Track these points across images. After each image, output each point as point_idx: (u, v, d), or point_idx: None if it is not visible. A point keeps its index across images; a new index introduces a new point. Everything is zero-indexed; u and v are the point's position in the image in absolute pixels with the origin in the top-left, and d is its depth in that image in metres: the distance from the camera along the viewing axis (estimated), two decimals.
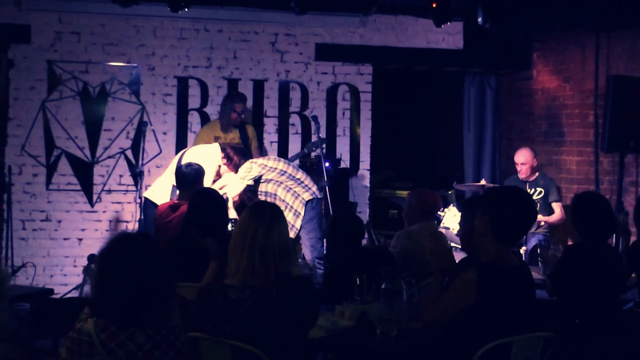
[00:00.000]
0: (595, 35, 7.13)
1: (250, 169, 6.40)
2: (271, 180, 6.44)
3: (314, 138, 7.66)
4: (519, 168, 7.13)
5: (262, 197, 6.44)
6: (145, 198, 6.52)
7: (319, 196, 6.55)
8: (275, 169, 6.45)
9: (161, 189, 6.47)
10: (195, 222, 4.48)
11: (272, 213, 3.31)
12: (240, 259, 3.19)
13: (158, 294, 2.62)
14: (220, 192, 5.90)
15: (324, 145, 7.07)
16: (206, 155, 6.40)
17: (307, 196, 6.47)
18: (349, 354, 3.56)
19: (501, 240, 3.35)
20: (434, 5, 6.59)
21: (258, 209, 3.34)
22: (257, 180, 6.43)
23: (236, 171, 6.45)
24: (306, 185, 6.51)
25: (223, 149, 6.51)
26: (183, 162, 6.05)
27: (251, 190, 6.50)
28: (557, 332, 3.44)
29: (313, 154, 7.30)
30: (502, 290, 3.27)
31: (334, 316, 3.81)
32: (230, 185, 6.45)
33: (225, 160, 6.48)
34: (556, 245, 4.99)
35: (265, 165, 6.43)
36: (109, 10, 7.17)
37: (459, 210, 6.09)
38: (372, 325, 3.62)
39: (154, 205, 6.13)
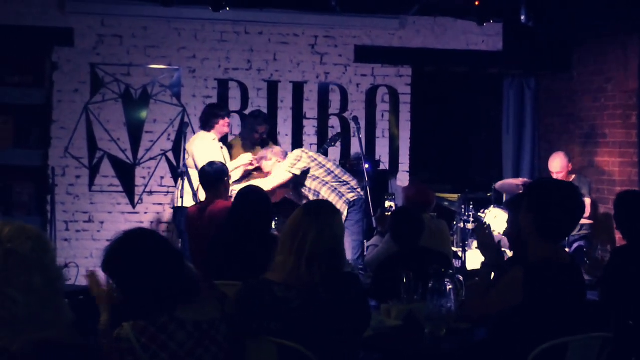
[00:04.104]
0: (638, 34, 7.03)
1: (300, 157, 6.27)
2: (317, 177, 6.33)
3: (353, 140, 7.65)
4: (554, 176, 7.01)
5: (305, 192, 6.35)
6: (176, 208, 6.54)
7: (363, 197, 6.47)
8: (324, 165, 6.36)
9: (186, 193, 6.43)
10: (239, 221, 4.48)
11: (327, 214, 3.20)
12: (288, 259, 3.12)
13: (172, 271, 2.62)
14: (258, 182, 5.88)
15: (363, 146, 7.01)
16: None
17: (351, 196, 6.36)
18: (397, 353, 3.51)
19: (547, 237, 3.21)
20: (477, 3, 6.55)
21: (313, 209, 3.23)
22: (305, 173, 6.27)
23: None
24: (352, 187, 6.41)
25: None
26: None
27: (295, 190, 6.46)
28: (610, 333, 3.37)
29: (347, 149, 7.18)
30: (550, 289, 3.15)
31: (381, 315, 3.79)
32: (274, 174, 6.30)
33: (261, 161, 6.43)
34: (604, 246, 4.90)
35: (315, 159, 6.33)
36: (150, 13, 7.28)
37: (506, 210, 6.04)
38: (420, 324, 3.60)
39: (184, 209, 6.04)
